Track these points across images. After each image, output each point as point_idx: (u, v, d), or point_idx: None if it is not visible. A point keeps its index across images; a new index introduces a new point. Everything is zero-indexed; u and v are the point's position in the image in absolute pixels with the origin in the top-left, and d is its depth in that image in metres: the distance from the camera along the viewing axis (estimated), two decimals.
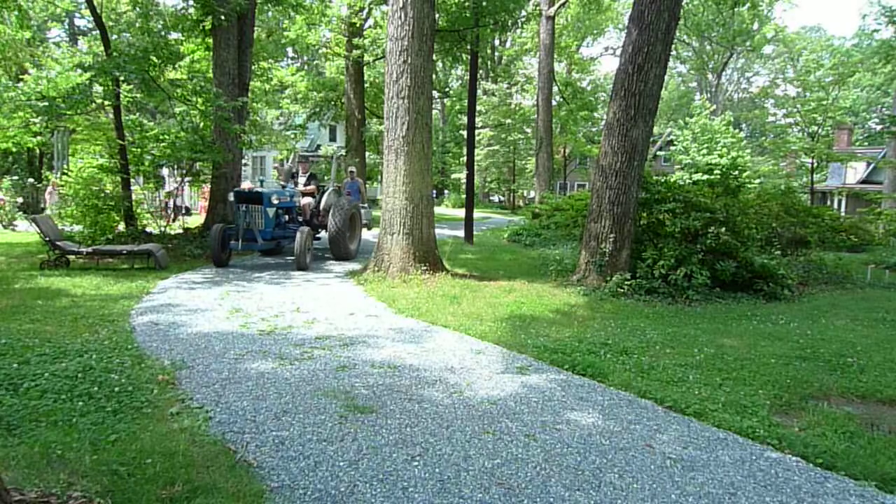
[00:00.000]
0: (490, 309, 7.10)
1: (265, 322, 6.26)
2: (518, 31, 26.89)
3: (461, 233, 16.36)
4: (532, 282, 9.13)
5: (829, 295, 9.25)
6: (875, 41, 27.21)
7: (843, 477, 3.22)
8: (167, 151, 11.79)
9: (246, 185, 11.11)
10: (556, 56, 25.97)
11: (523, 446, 3.44)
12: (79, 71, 11.38)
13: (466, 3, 14.17)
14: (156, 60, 11.49)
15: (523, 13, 16.95)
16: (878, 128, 40.98)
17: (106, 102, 12.33)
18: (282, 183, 11.99)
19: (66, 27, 32.07)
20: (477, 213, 21.60)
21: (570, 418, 3.89)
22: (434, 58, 11.54)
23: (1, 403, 3.64)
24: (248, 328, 5.98)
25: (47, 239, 9.44)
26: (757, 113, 41.77)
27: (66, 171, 12.02)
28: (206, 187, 15.08)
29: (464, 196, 19.48)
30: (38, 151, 25.25)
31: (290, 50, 27.05)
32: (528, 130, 33.78)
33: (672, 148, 33.48)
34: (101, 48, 13.13)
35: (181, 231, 13.77)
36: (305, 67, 33.39)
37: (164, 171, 14.45)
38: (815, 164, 28.12)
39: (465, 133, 21.81)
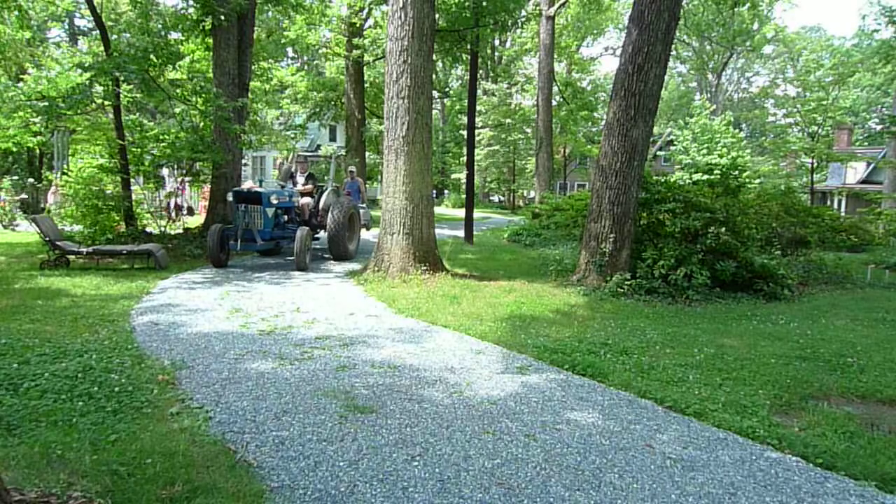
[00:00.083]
0: (490, 309, 7.10)
1: (265, 322, 6.26)
2: (518, 31, 26.88)
3: (461, 233, 16.36)
4: (532, 282, 9.13)
5: (829, 295, 9.25)
6: (875, 41, 27.22)
7: (843, 477, 3.22)
8: (167, 151, 11.78)
9: (248, 184, 11.05)
10: (556, 56, 25.97)
11: (523, 446, 3.44)
12: (79, 71, 11.37)
13: (466, 3, 14.16)
14: (156, 60, 11.47)
15: (523, 13, 16.96)
16: (878, 128, 40.99)
17: (106, 102, 12.32)
18: (280, 183, 11.96)
19: (66, 27, 32.08)
20: (477, 213, 21.60)
21: (570, 418, 3.89)
22: (434, 58, 11.53)
23: (1, 403, 3.64)
24: (248, 328, 5.98)
25: (47, 239, 9.44)
26: (757, 113, 41.81)
27: (66, 171, 12.02)
28: (207, 187, 15.08)
29: (464, 196, 19.48)
30: (38, 151, 25.26)
31: (290, 50, 27.07)
32: (528, 130, 33.77)
33: (672, 148, 33.48)
34: (101, 48, 13.13)
35: (181, 231, 13.77)
36: (305, 67, 33.40)
37: (164, 171, 14.44)
38: (815, 164, 28.12)
39: (465, 133, 21.81)
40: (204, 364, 4.75)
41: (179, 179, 13.96)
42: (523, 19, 17.41)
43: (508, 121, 33.09)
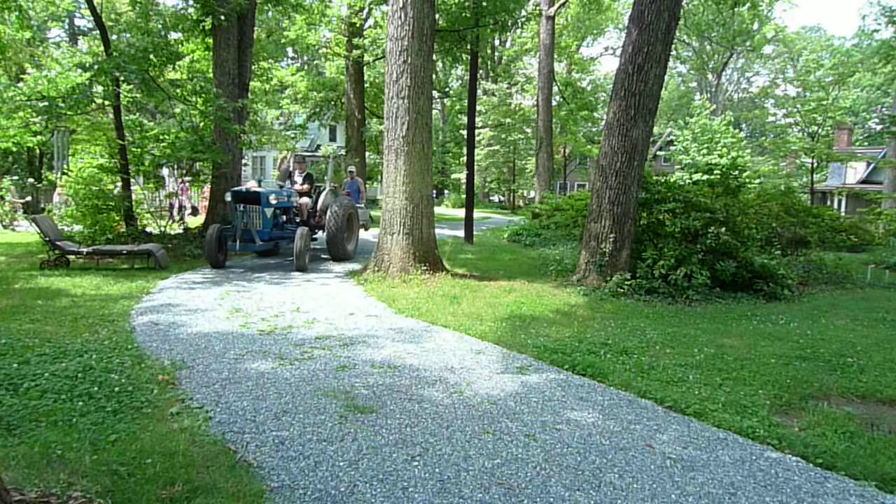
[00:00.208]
0: (490, 309, 7.10)
1: (265, 322, 6.26)
2: (518, 31, 26.88)
3: (461, 233, 16.36)
4: (532, 282, 9.13)
5: (829, 295, 9.25)
6: (875, 41, 27.22)
7: (843, 477, 3.22)
8: (167, 151, 11.77)
9: (250, 184, 10.99)
10: (556, 56, 25.96)
11: (523, 446, 3.44)
12: (79, 71, 11.37)
13: (466, 3, 14.16)
14: (155, 60, 11.47)
15: (523, 13, 16.96)
16: (878, 128, 41.01)
17: (106, 102, 12.32)
18: (279, 183, 11.93)
19: (66, 27, 32.08)
20: (477, 213, 21.59)
21: (570, 418, 3.89)
22: (434, 58, 11.53)
23: (1, 403, 3.64)
24: (248, 328, 5.98)
25: (47, 239, 9.44)
26: (757, 113, 41.81)
27: (66, 171, 12.02)
28: (207, 187, 15.08)
29: (464, 196, 19.48)
30: (38, 151, 25.27)
31: (290, 50, 27.06)
32: (528, 130, 33.78)
33: (672, 148, 33.47)
34: (101, 48, 13.13)
35: (181, 231, 13.77)
36: (305, 67, 33.40)
37: (164, 171, 14.45)
38: (815, 164, 28.12)
39: (465, 133, 21.81)
40: (204, 364, 4.75)
41: (181, 179, 13.95)
42: (523, 19, 17.41)
43: (508, 121, 33.09)
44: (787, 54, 47.21)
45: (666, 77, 10.78)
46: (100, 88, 11.64)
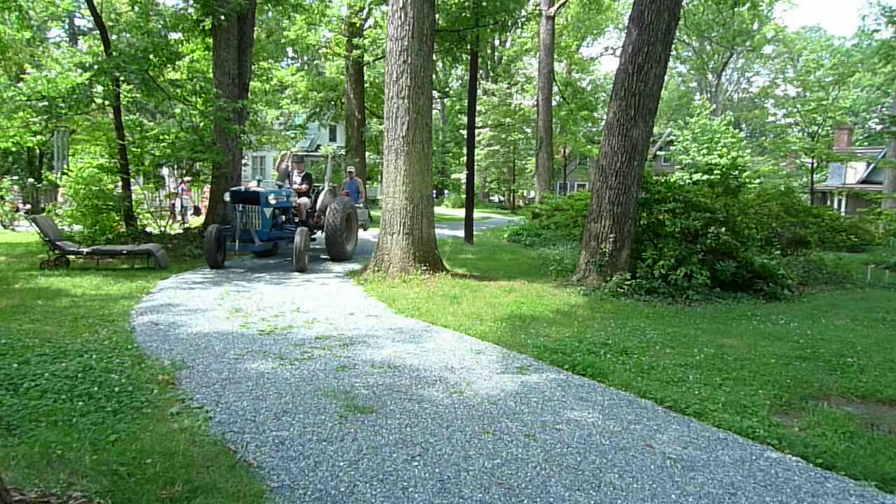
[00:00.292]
0: (490, 309, 7.10)
1: (265, 322, 6.26)
2: (518, 31, 26.89)
3: (461, 233, 16.36)
4: (532, 282, 9.13)
5: (829, 295, 9.25)
6: (875, 41, 27.21)
7: (843, 477, 3.22)
8: (167, 151, 11.76)
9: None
10: (556, 56, 25.96)
11: (523, 446, 3.44)
12: (79, 71, 11.37)
13: (466, 3, 14.16)
14: (155, 60, 11.47)
15: (523, 13, 16.96)
16: (878, 128, 41.03)
17: (106, 102, 12.33)
18: (278, 183, 11.90)
19: (66, 27, 32.07)
20: (477, 213, 21.59)
21: (570, 418, 3.89)
22: (434, 58, 11.53)
23: (1, 403, 3.64)
24: (248, 328, 5.98)
25: (47, 239, 9.44)
26: (757, 113, 41.82)
27: (66, 171, 12.02)
28: (207, 187, 15.09)
29: (464, 196, 19.48)
30: (38, 151, 25.26)
31: (290, 50, 27.05)
32: (528, 130, 33.78)
33: (672, 148, 33.46)
34: (101, 48, 13.13)
35: (181, 231, 13.77)
36: (305, 67, 33.40)
37: (164, 171, 14.45)
38: (815, 164, 28.12)
39: (465, 133, 21.81)
40: (204, 364, 4.75)
41: (181, 179, 13.95)
42: (523, 19, 17.43)
43: (508, 121, 33.09)
44: (787, 54, 47.22)
45: (666, 77, 10.78)
46: (100, 88, 11.64)
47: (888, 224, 15.38)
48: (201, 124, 12.32)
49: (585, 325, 6.48)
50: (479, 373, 4.76)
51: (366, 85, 24.98)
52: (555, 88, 23.66)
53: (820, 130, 26.34)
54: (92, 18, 13.74)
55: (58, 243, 9.52)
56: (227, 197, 10.27)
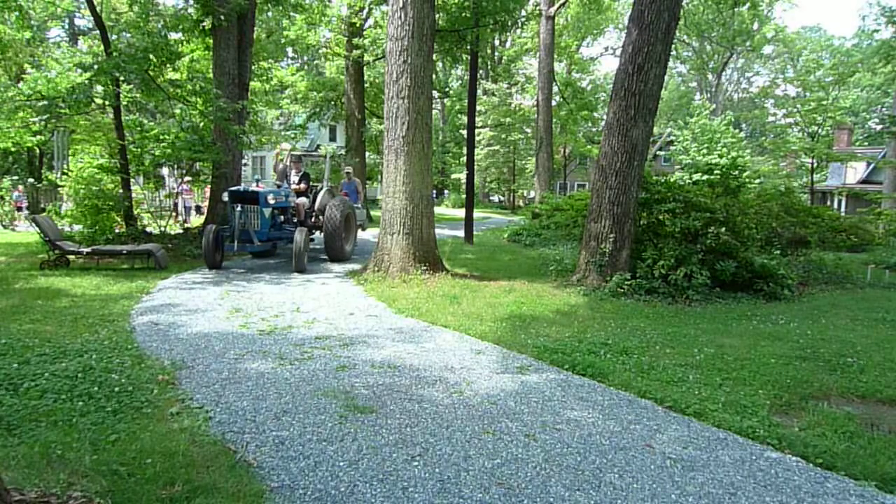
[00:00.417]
0: (490, 309, 7.10)
1: (265, 322, 6.26)
2: (518, 31, 26.90)
3: (461, 233, 16.36)
4: (532, 282, 9.13)
5: (829, 295, 9.25)
6: (875, 41, 27.23)
7: (843, 477, 3.22)
8: (167, 151, 11.76)
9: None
10: (556, 56, 25.95)
11: (523, 446, 3.44)
12: (79, 71, 11.37)
13: (466, 3, 14.16)
14: (155, 60, 11.46)
15: (523, 13, 16.96)
16: (878, 128, 41.03)
17: (106, 102, 12.33)
18: (277, 183, 11.85)
19: (66, 27, 32.08)
20: (477, 213, 21.59)
21: (570, 418, 3.89)
22: (434, 58, 11.53)
23: (1, 403, 3.64)
24: (247, 328, 5.98)
25: (47, 239, 9.44)
26: (757, 113, 41.79)
27: (66, 171, 12.03)
28: (208, 187, 15.09)
29: (464, 196, 19.48)
30: (38, 151, 25.29)
31: (290, 50, 27.04)
32: (528, 130, 33.77)
33: (672, 148, 33.47)
34: (101, 48, 13.13)
35: (181, 231, 13.78)
36: (305, 67, 33.39)
37: (164, 171, 14.45)
38: (815, 164, 28.11)
39: (465, 133, 21.80)
40: (204, 364, 4.75)
41: (182, 180, 13.95)
42: (523, 19, 17.43)
43: (508, 121, 33.08)
44: (787, 54, 47.24)
45: (666, 77, 10.78)
46: (100, 88, 11.64)
47: (888, 224, 15.38)
48: (201, 124, 12.32)
49: (585, 325, 6.48)
50: (479, 373, 4.76)
51: (366, 85, 24.95)
52: (555, 88, 23.65)
53: (820, 130, 26.34)
54: (92, 18, 13.74)
55: (58, 243, 9.52)
56: (225, 197, 10.15)
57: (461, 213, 19.92)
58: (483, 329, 6.15)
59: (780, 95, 34.54)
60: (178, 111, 13.20)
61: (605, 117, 11.36)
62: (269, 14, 20.43)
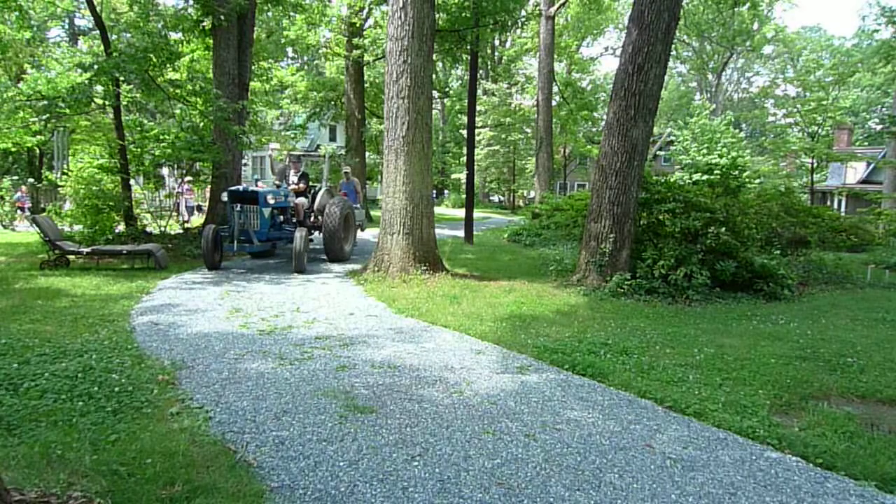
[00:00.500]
0: (490, 309, 7.10)
1: (265, 322, 6.26)
2: (518, 31, 26.90)
3: (461, 233, 16.36)
4: (532, 282, 9.13)
5: (829, 295, 9.25)
6: (875, 41, 27.23)
7: (843, 477, 3.22)
8: (167, 151, 11.76)
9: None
10: (556, 56, 25.95)
11: (523, 446, 3.44)
12: (79, 71, 11.37)
13: (466, 3, 14.16)
14: (155, 60, 11.46)
15: (523, 13, 16.96)
16: (878, 128, 41.02)
17: (106, 102, 12.33)
18: (276, 182, 11.82)
19: (66, 27, 32.09)
20: (477, 213, 21.60)
21: (570, 418, 3.89)
22: (434, 58, 11.52)
23: (1, 403, 3.64)
24: (247, 328, 5.98)
25: (47, 239, 9.44)
26: (757, 113, 41.80)
27: (66, 171, 12.03)
28: (208, 188, 15.09)
29: (464, 196, 19.48)
30: (38, 151, 25.29)
31: (290, 50, 27.04)
32: (528, 130, 33.78)
33: (672, 148, 33.47)
34: (101, 48, 13.13)
35: (181, 231, 13.78)
36: (305, 67, 33.39)
37: (164, 171, 14.45)
38: (815, 164, 28.11)
39: (465, 133, 21.81)
40: (204, 364, 4.75)
41: (182, 180, 13.95)
42: (523, 19, 17.43)
43: (508, 121, 33.08)
44: (787, 54, 47.25)
45: (666, 77, 10.78)
46: (100, 88, 11.63)
47: (888, 224, 15.38)
48: (201, 124, 12.32)
49: (585, 325, 6.48)
50: (479, 373, 4.76)
51: (366, 85, 24.95)
52: (555, 88, 23.66)
53: (820, 130, 26.34)
54: (92, 18, 13.74)
55: (58, 243, 9.52)
56: (224, 197, 10.08)
57: (461, 213, 19.92)
58: (483, 329, 6.15)
59: (780, 95, 34.53)
60: (178, 111, 13.19)
61: (605, 117, 11.36)
62: (269, 14, 20.42)
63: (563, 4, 22.69)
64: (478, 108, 25.32)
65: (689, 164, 27.15)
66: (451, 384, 4.46)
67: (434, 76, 16.26)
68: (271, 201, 10.02)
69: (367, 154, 26.44)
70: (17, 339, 5.03)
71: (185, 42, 13.72)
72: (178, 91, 12.32)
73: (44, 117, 11.79)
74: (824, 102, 25.12)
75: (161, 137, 11.88)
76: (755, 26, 40.09)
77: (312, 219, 11.73)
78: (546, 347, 5.42)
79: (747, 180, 23.72)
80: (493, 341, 5.73)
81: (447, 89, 39.65)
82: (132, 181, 12.68)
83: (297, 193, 11.58)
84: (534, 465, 3.22)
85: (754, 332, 6.43)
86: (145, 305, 6.95)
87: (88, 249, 9.64)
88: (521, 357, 5.25)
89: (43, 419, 3.47)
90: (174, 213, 14.59)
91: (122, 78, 11.18)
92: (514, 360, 5.13)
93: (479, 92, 29.55)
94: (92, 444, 3.18)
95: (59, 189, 12.64)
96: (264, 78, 20.81)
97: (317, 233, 11.96)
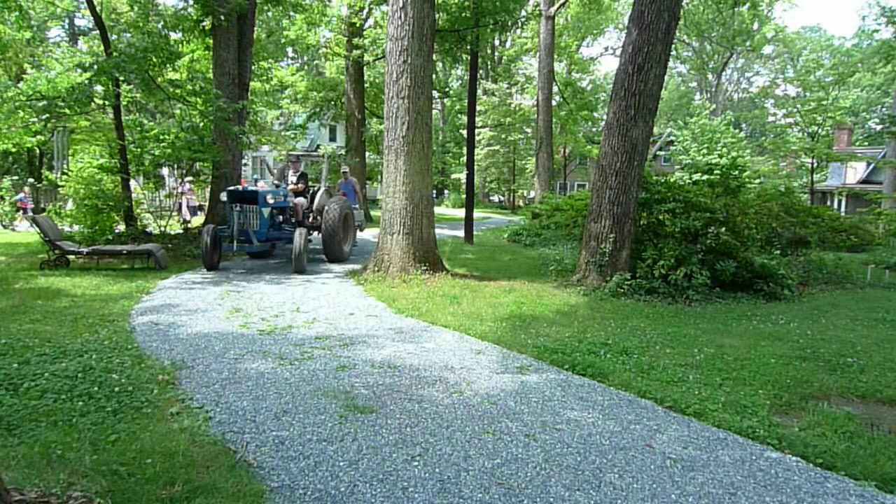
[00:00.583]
0: (490, 309, 7.10)
1: (265, 322, 6.26)
2: (518, 31, 26.89)
3: (461, 233, 16.36)
4: (532, 282, 9.13)
5: (829, 295, 9.25)
6: (875, 41, 27.23)
7: (843, 477, 3.22)
8: (167, 151, 11.75)
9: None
10: (556, 56, 25.96)
11: (523, 446, 3.44)
12: (79, 71, 11.37)
13: (466, 3, 14.17)
14: (155, 60, 11.46)
15: (523, 13, 16.96)
16: (878, 128, 41.02)
17: (106, 102, 12.33)
18: (275, 182, 11.80)
19: (66, 27, 32.09)
20: (477, 213, 21.59)
21: (570, 418, 3.89)
22: (434, 58, 11.52)
23: (1, 403, 3.64)
24: (247, 328, 5.98)
25: (47, 239, 9.44)
26: (757, 113, 41.81)
27: (66, 171, 12.02)
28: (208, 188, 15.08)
29: (464, 196, 19.48)
30: (38, 151, 25.30)
31: (290, 50, 27.05)
32: (528, 130, 33.78)
33: (672, 148, 33.47)
34: (101, 48, 13.13)
35: (181, 231, 13.78)
36: (305, 67, 33.39)
37: (164, 171, 14.44)
38: (815, 164, 28.11)
39: (465, 133, 21.81)
40: (204, 364, 4.75)
41: (181, 180, 13.94)
42: (523, 19, 17.41)
43: (508, 121, 33.08)
44: (787, 54, 47.26)
45: (666, 77, 10.78)
46: (100, 88, 11.63)
47: (888, 224, 15.37)
48: (201, 124, 12.31)
49: (585, 325, 6.48)
50: (479, 373, 4.76)
51: (366, 85, 24.95)
52: (555, 88, 23.66)
53: (820, 130, 26.34)
54: (92, 18, 13.74)
55: (58, 243, 9.52)
56: (223, 197, 10.02)
57: (461, 213, 19.92)
58: (483, 329, 6.15)
59: (780, 95, 34.59)
60: (178, 111, 13.18)
61: (605, 117, 11.36)
62: (269, 14, 20.43)
63: (563, 4, 22.69)
64: (478, 108, 25.32)
65: (689, 164, 27.15)
66: (451, 384, 4.46)
67: (434, 76, 16.26)
68: (271, 201, 9.97)
69: (367, 154, 26.43)
70: (17, 339, 5.03)
71: (185, 42, 13.71)
72: (178, 91, 12.32)
73: (44, 117, 11.77)
74: (824, 102, 25.12)
75: (161, 137, 11.88)
76: (755, 26, 40.11)
77: (311, 219, 11.69)
78: (546, 347, 5.43)
79: (747, 180, 23.70)
80: (493, 341, 5.73)
81: (447, 89, 39.64)
82: (132, 181, 12.68)
83: (296, 193, 11.56)
84: (534, 465, 3.22)
85: (754, 332, 6.43)
86: (145, 305, 6.95)
87: (88, 249, 9.64)
88: (521, 357, 5.25)
89: (43, 419, 3.47)
90: (175, 214, 14.59)
91: (122, 78, 11.18)
92: (514, 360, 5.13)
93: (479, 92, 29.55)
94: (92, 444, 3.18)
95: (60, 189, 12.62)
96: (264, 78, 20.81)
97: (315, 233, 11.92)
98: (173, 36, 13.40)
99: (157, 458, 3.04)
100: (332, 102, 26.41)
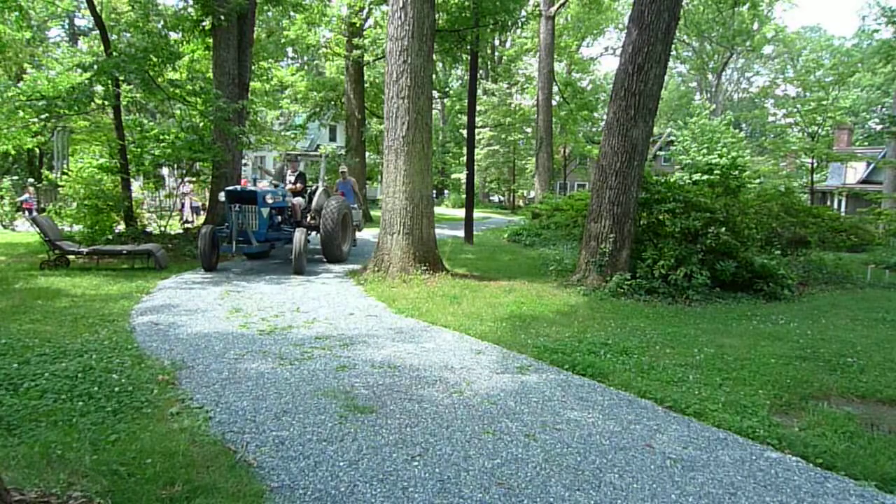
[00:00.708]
0: (490, 309, 7.10)
1: (265, 322, 6.26)
2: (518, 31, 26.87)
3: (461, 233, 16.36)
4: (532, 282, 9.13)
5: (829, 295, 9.25)
6: (875, 41, 27.24)
7: (843, 477, 3.22)
8: (167, 151, 11.75)
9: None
10: (556, 56, 25.97)
11: (523, 446, 3.44)
12: (79, 71, 11.37)
13: (466, 3, 14.17)
14: (156, 60, 11.45)
15: (523, 13, 16.96)
16: (878, 128, 41.03)
17: (106, 102, 12.33)
18: (274, 182, 11.77)
19: (66, 27, 32.10)
20: (477, 213, 21.60)
21: (570, 418, 3.89)
22: (434, 58, 11.52)
23: (1, 403, 3.64)
24: (247, 328, 5.98)
25: (47, 239, 9.44)
26: (757, 113, 41.82)
27: (66, 171, 12.02)
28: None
29: (464, 196, 19.48)
30: (38, 151, 25.31)
31: (290, 50, 27.06)
32: (528, 130, 33.79)
33: (672, 148, 33.48)
34: (101, 48, 13.13)
35: (181, 231, 13.78)
36: (305, 67, 33.39)
37: (164, 171, 14.44)
38: (815, 164, 28.11)
39: (465, 133, 21.81)
40: (204, 364, 4.75)
41: (181, 180, 13.95)
42: (523, 19, 17.40)
43: (508, 120, 33.09)
44: (787, 54, 47.26)
45: (666, 77, 10.78)
46: (100, 88, 11.62)
47: (888, 224, 15.37)
48: (201, 124, 12.31)
49: (585, 325, 6.48)
50: (479, 373, 4.76)
51: (366, 85, 24.95)
52: (555, 88, 23.66)
53: (820, 130, 26.34)
54: (92, 18, 13.74)
55: (58, 243, 9.52)
56: (222, 197, 9.95)
57: (461, 213, 19.92)
58: (483, 329, 6.15)
59: (780, 95, 34.64)
60: (178, 111, 13.18)
61: (605, 117, 11.36)
62: (269, 14, 20.44)
63: (563, 4, 22.69)
64: (478, 108, 25.33)
65: (689, 164, 27.13)
66: (451, 384, 4.46)
67: (434, 76, 16.25)
68: (270, 201, 9.92)
69: (367, 154, 26.44)
70: (17, 339, 5.03)
71: (185, 42, 13.71)
72: (178, 91, 12.31)
73: (44, 117, 11.77)
74: (824, 102, 25.12)
75: (161, 137, 11.87)
76: (755, 26, 40.11)
77: (309, 219, 11.65)
78: (546, 347, 5.43)
79: (747, 180, 23.67)
80: (493, 341, 5.73)
81: (447, 89, 39.65)
82: (132, 181, 12.67)
83: (294, 193, 11.53)
84: (534, 465, 3.22)
85: (754, 332, 6.43)
86: (145, 305, 6.95)
87: (88, 249, 9.64)
88: (521, 357, 5.25)
89: (43, 419, 3.47)
90: (176, 214, 14.59)
91: (122, 78, 11.17)
92: (514, 360, 5.13)
93: (479, 92, 29.56)
94: (92, 444, 3.18)
95: (60, 189, 12.62)
96: (264, 78, 20.82)
97: (314, 233, 11.87)
98: (173, 36, 13.40)
99: (157, 458, 3.04)
100: (332, 102, 26.42)
